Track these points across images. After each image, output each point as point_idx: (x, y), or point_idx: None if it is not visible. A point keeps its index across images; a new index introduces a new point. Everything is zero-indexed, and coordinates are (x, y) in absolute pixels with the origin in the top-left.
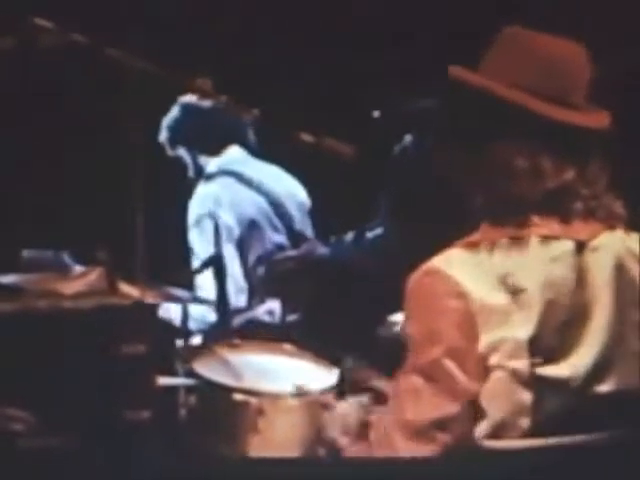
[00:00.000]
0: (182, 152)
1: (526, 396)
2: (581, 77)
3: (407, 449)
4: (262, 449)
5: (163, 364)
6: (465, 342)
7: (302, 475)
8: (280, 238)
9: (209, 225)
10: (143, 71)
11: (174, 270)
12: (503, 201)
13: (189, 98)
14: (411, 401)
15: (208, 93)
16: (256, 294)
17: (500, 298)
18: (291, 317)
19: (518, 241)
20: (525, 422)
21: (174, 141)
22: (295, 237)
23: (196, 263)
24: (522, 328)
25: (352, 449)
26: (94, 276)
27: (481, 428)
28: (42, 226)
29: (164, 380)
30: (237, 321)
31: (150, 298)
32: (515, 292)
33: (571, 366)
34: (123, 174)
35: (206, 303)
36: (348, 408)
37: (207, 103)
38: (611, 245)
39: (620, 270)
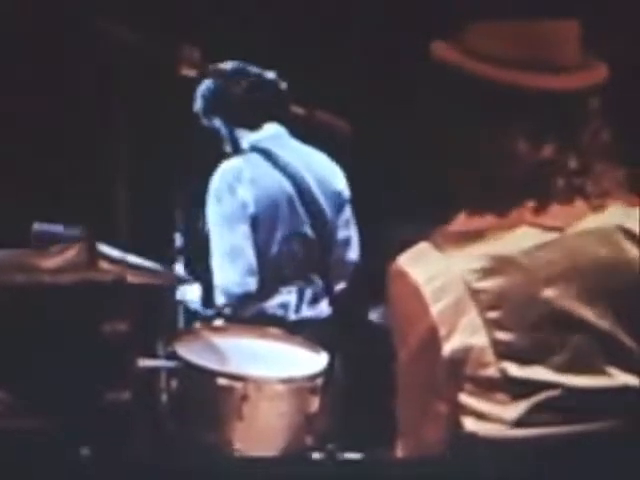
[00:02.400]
0: (218, 124)
1: (502, 397)
2: (565, 31)
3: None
4: (246, 436)
5: (144, 345)
6: (430, 350)
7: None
8: (301, 225)
9: (229, 200)
10: (130, 41)
11: (159, 247)
12: (479, 189)
13: (230, 65)
14: (400, 398)
15: (195, 64)
16: (269, 281)
17: (462, 301)
18: (307, 312)
19: (485, 233)
20: (511, 414)
21: (209, 111)
22: (320, 227)
23: (227, 240)
24: (486, 332)
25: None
26: (73, 252)
27: (467, 423)
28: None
29: (145, 362)
30: (247, 312)
31: (131, 277)
32: (475, 291)
33: (543, 365)
34: (108, 148)
35: (190, 282)
36: None
37: (251, 74)
38: (593, 230)
39: (602, 258)
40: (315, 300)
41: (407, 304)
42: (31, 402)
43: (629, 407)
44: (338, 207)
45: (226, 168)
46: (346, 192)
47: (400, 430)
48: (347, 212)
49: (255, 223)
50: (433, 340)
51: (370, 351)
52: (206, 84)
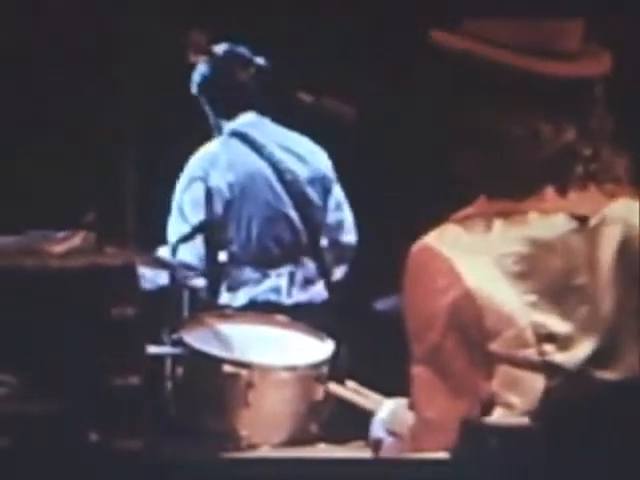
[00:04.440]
0: (207, 109)
1: (538, 383)
2: (569, 22)
3: (433, 446)
4: (252, 423)
5: (151, 331)
6: (463, 323)
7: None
8: (283, 206)
9: (199, 189)
10: (136, 26)
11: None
12: (500, 173)
13: (216, 51)
14: (424, 396)
15: (202, 48)
16: (258, 264)
17: (496, 280)
18: (300, 296)
19: (515, 217)
20: (538, 407)
21: (199, 96)
22: (304, 208)
23: (185, 228)
24: (524, 313)
25: (392, 448)
26: (78, 239)
27: (496, 414)
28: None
29: (151, 349)
30: (238, 300)
31: (138, 263)
32: (512, 274)
33: (576, 353)
34: (115, 137)
35: (194, 270)
36: (393, 405)
37: (229, 61)
38: (616, 219)
39: (626, 247)
40: (308, 283)
41: (436, 278)
42: (39, 386)
43: None
44: (324, 189)
45: (203, 153)
46: (331, 174)
47: (427, 424)
48: (337, 194)
49: (232, 206)
50: (466, 310)
51: (375, 340)
52: (199, 68)
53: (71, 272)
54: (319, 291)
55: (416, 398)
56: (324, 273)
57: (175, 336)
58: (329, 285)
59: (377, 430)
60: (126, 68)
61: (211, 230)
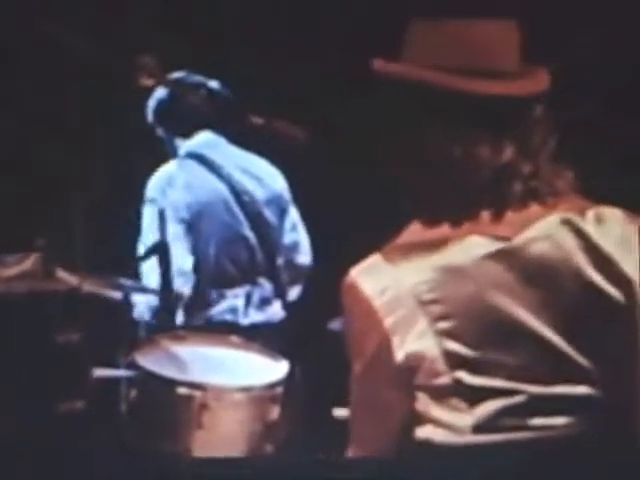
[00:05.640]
0: (161, 133)
1: (458, 404)
2: (506, 41)
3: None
4: (206, 445)
5: (101, 355)
6: (383, 361)
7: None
8: (240, 227)
9: (151, 211)
10: (86, 50)
11: (120, 259)
12: (437, 195)
13: (167, 74)
14: (350, 418)
15: (152, 72)
16: (214, 284)
17: (411, 313)
18: (257, 316)
19: (434, 243)
20: (467, 420)
21: (154, 122)
22: (261, 229)
23: (140, 249)
24: (436, 343)
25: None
26: (29, 262)
27: (423, 431)
28: None
29: (101, 372)
30: (194, 320)
31: (89, 286)
32: (425, 302)
33: (493, 373)
34: (63, 160)
35: (150, 292)
36: None
37: (180, 84)
38: (542, 237)
39: (551, 265)
40: (264, 303)
41: (359, 318)
42: None
43: (576, 415)
44: (280, 210)
45: (159, 174)
46: (287, 195)
47: (353, 442)
48: (293, 215)
49: (189, 227)
50: (386, 352)
51: (329, 359)
52: (152, 95)
53: (16, 297)
54: (276, 311)
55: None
56: (280, 293)
57: (129, 358)
58: (285, 305)
59: None
60: (76, 94)
61: (164, 251)
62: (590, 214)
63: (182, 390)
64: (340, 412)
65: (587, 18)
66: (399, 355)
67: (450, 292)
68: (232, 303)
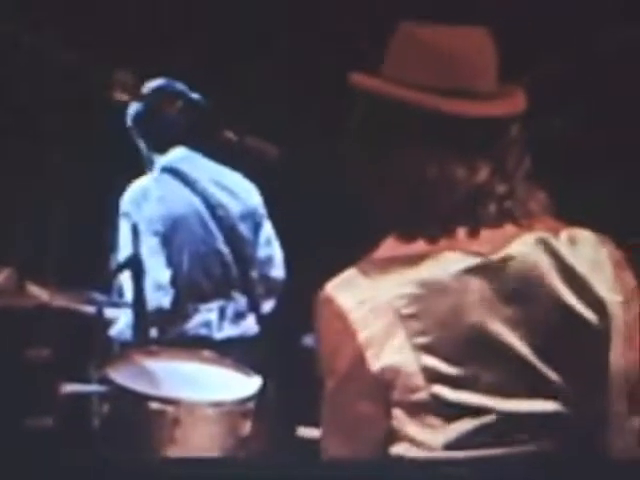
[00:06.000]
0: (141, 145)
1: (433, 421)
2: (485, 62)
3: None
4: None
5: (73, 370)
6: (357, 376)
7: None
8: (214, 241)
9: (125, 225)
10: (62, 63)
11: (93, 273)
12: (411, 214)
13: (149, 87)
14: (322, 435)
15: (128, 86)
16: (187, 299)
17: (389, 328)
18: (231, 330)
19: (412, 258)
20: (439, 439)
21: (132, 133)
22: (236, 243)
23: (115, 263)
24: (414, 358)
25: None
26: (1, 278)
27: (398, 448)
28: None
29: (72, 387)
30: (168, 334)
31: (61, 301)
32: (404, 316)
33: (471, 389)
34: (34, 173)
35: (124, 306)
36: None
37: (156, 97)
38: (518, 256)
39: (526, 284)
40: (238, 317)
41: (334, 331)
42: None
43: (547, 432)
44: (255, 224)
45: (134, 187)
46: (262, 209)
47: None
48: (267, 230)
49: (164, 241)
50: (360, 366)
51: (302, 375)
52: (133, 107)
53: None
54: (250, 325)
55: (320, 433)
56: (254, 307)
57: (101, 373)
58: (259, 319)
59: None
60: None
61: (138, 266)
62: (563, 235)
63: (154, 405)
64: (305, 432)
65: (558, 34)
66: (374, 368)
67: (429, 307)
68: (206, 317)
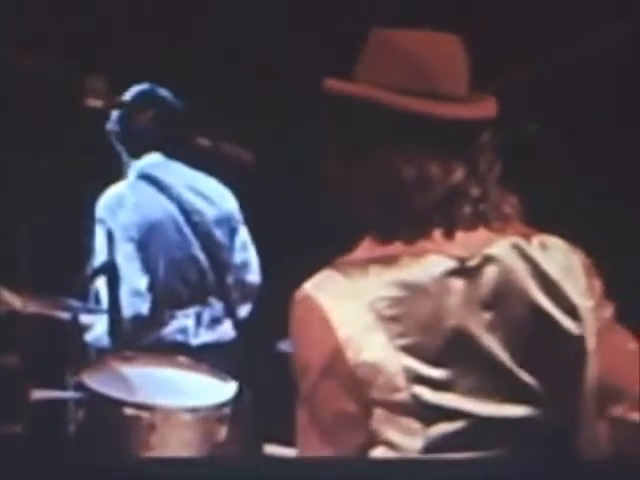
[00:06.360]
0: (120, 149)
1: (413, 424)
2: (457, 67)
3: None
4: None
5: (48, 376)
6: (337, 373)
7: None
8: (190, 247)
9: (100, 232)
10: (34, 68)
11: (69, 279)
12: (389, 214)
13: (125, 93)
14: (300, 439)
15: (99, 93)
16: (164, 304)
17: (369, 327)
18: (207, 336)
19: (391, 260)
20: (418, 443)
21: (111, 138)
22: (211, 249)
23: (90, 269)
24: (395, 359)
25: None
26: None
27: (376, 452)
28: None
29: (43, 393)
30: (145, 340)
31: (35, 307)
32: (385, 318)
33: (451, 391)
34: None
35: (100, 313)
36: None
37: (157, 104)
38: (495, 259)
39: (504, 287)
40: (215, 323)
41: (312, 329)
42: None
43: (524, 437)
44: (231, 229)
45: (109, 194)
46: (237, 214)
47: None
48: (243, 235)
49: (140, 247)
50: (338, 364)
51: (278, 380)
52: (114, 113)
53: None
54: (226, 330)
55: (297, 439)
56: (231, 312)
57: (76, 379)
58: (236, 324)
59: None
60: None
61: (112, 272)
62: (535, 241)
63: (129, 411)
64: (271, 449)
65: (528, 40)
66: (353, 364)
67: (410, 309)
68: (182, 323)
